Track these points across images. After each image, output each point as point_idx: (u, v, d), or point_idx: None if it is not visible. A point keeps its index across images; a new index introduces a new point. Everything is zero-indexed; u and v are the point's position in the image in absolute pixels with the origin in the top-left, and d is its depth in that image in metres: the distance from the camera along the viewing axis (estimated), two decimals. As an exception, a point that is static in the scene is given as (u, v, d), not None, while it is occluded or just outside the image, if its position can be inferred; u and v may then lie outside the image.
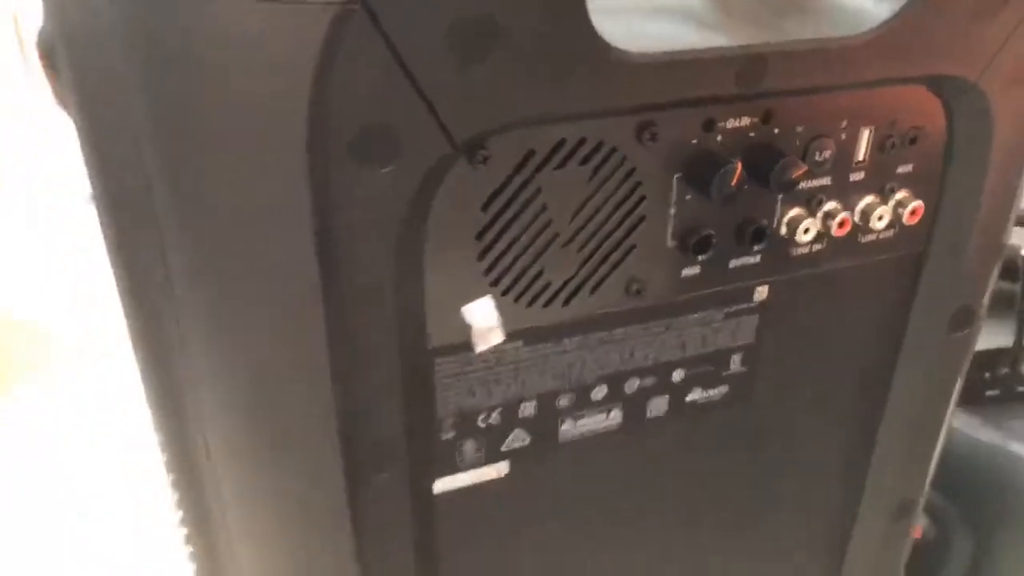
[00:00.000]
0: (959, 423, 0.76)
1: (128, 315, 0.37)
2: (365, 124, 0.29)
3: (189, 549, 0.40)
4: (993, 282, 0.48)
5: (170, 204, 0.33)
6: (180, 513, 0.39)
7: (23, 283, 1.63)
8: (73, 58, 0.33)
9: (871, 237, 0.43)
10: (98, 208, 0.35)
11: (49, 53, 0.34)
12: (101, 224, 0.36)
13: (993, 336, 0.70)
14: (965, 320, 0.47)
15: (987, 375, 0.72)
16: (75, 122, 0.36)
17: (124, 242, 0.35)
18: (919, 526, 0.86)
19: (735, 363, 0.43)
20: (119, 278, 0.36)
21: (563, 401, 0.40)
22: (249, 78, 0.29)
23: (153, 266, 0.34)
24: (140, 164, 0.32)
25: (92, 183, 0.36)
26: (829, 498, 0.53)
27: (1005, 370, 0.73)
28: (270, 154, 0.30)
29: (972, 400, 0.71)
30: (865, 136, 0.39)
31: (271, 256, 0.32)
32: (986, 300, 0.48)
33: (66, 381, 1.41)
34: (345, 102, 0.28)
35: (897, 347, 0.48)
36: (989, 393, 0.73)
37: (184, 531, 0.39)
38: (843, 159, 0.39)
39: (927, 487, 0.55)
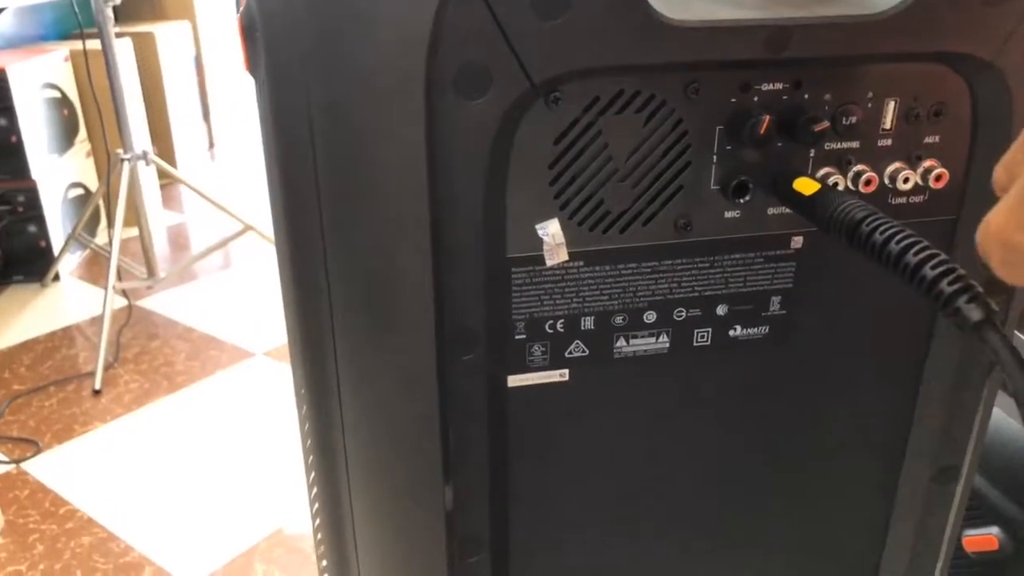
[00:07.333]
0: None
1: (280, 222, 0.48)
2: (465, 63, 0.39)
3: (305, 409, 0.50)
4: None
5: (325, 133, 0.43)
6: (304, 384, 0.49)
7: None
8: (267, 30, 0.44)
9: (901, 200, 0.49)
10: (265, 136, 0.47)
11: (249, 26, 0.46)
12: (266, 149, 0.47)
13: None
14: (997, 289, 0.52)
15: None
16: (259, 83, 0.47)
17: (287, 168, 0.47)
18: (995, 538, 0.87)
19: (774, 305, 0.50)
20: (278, 183, 0.47)
21: (618, 320, 0.48)
22: (385, 30, 0.39)
23: (307, 184, 0.45)
24: (308, 110, 0.43)
25: (265, 130, 0.48)
26: (870, 455, 0.57)
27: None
28: (398, 87, 0.40)
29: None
30: (891, 107, 0.46)
31: (392, 166, 0.42)
32: None
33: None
34: (451, 46, 0.38)
35: (933, 311, 0.53)
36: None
37: (304, 398, 0.50)
38: (870, 126, 0.46)
39: (970, 454, 0.59)
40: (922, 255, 0.36)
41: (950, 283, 0.35)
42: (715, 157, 0.45)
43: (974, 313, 0.35)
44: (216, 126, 3.45)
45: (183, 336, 1.97)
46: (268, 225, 2.13)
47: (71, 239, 2.20)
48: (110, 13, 1.92)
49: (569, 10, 0.39)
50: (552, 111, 0.41)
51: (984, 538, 0.85)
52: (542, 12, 0.38)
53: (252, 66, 0.48)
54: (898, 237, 0.37)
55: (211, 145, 3.45)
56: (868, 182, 0.47)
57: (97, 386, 1.73)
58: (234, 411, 1.68)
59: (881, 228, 0.38)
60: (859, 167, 0.47)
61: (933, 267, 0.36)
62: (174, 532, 1.35)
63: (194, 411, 1.68)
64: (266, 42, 0.44)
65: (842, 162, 0.47)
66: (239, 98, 3.72)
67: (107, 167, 2.04)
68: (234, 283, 2.27)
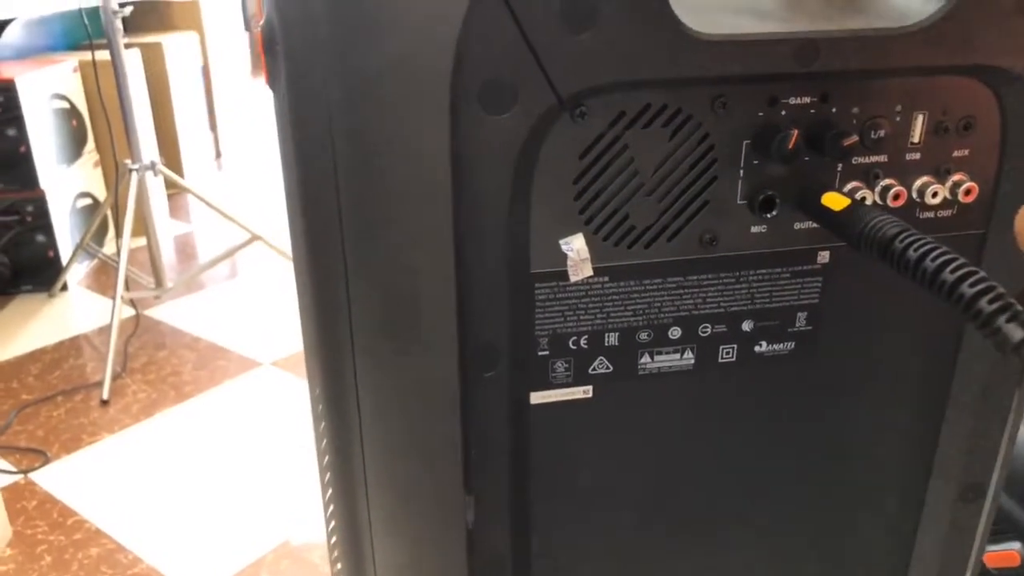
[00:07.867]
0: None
1: (298, 236, 0.47)
2: (490, 78, 0.38)
3: (322, 426, 0.49)
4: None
5: (346, 147, 0.43)
6: (322, 400, 0.49)
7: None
8: (287, 43, 0.44)
9: (929, 214, 0.48)
10: (284, 151, 0.46)
11: (269, 39, 0.45)
12: (285, 164, 0.47)
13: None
14: (1026, 302, 0.51)
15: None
16: (279, 97, 0.47)
17: (306, 182, 0.46)
18: (1016, 553, 0.86)
19: (800, 321, 0.49)
20: (297, 197, 0.46)
21: (642, 336, 0.47)
22: (409, 45, 0.39)
23: (327, 198, 0.44)
24: (329, 123, 0.42)
25: (284, 145, 0.47)
26: (896, 473, 0.56)
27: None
28: (421, 102, 0.39)
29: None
30: (919, 121, 0.45)
31: (415, 180, 0.41)
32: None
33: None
34: (477, 60, 0.38)
35: (960, 328, 0.52)
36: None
37: (322, 414, 0.49)
38: (899, 140, 0.46)
39: (997, 472, 0.58)
40: (959, 273, 0.36)
41: (990, 302, 0.35)
42: (742, 172, 0.44)
43: (1016, 333, 0.34)
44: (223, 136, 3.46)
45: (190, 346, 1.97)
46: (275, 234, 2.13)
47: (79, 249, 2.20)
48: (119, 24, 1.93)
49: (596, 24, 0.38)
50: (577, 125, 0.41)
51: (1006, 554, 0.84)
52: (569, 26, 0.38)
53: (272, 80, 0.47)
54: (934, 254, 0.37)
55: (218, 155, 3.46)
56: (896, 196, 0.46)
57: (105, 396, 1.73)
58: (242, 421, 1.67)
59: (916, 245, 0.37)
60: (887, 181, 0.46)
61: (971, 285, 0.35)
62: (182, 543, 1.34)
63: (202, 421, 1.67)
64: (286, 54, 0.44)
65: (870, 176, 0.46)
66: (246, 108, 3.73)
67: (115, 177, 2.04)
68: (241, 293, 2.27)
